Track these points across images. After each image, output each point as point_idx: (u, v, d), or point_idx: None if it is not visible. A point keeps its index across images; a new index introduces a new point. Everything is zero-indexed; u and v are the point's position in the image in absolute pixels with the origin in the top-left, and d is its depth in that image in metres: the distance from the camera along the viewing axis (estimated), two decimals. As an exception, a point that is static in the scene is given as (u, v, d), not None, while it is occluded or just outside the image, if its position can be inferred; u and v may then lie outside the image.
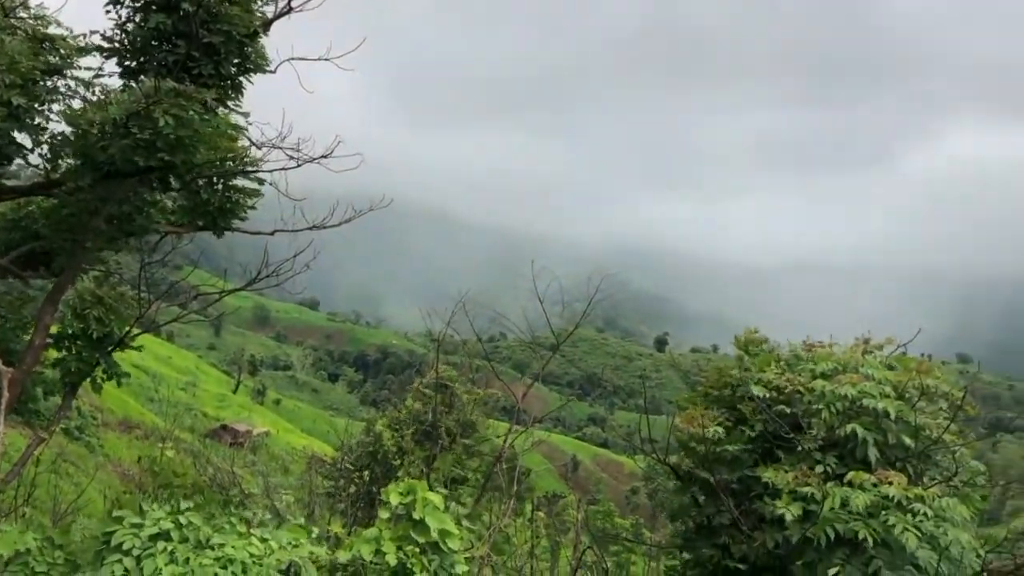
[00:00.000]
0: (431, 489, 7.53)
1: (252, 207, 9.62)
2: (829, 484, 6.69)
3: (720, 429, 7.30)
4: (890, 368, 7.69)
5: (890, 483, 6.56)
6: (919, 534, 6.29)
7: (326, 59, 8.96)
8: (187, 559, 6.56)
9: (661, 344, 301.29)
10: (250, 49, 8.81)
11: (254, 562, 6.96)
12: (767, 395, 7.38)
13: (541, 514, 8.83)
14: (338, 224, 9.56)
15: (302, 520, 10.04)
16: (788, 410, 7.29)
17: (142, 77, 8.08)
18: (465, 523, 7.86)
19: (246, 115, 9.12)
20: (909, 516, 6.42)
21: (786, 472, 6.87)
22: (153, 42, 8.21)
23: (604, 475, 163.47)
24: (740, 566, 6.90)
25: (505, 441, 8.78)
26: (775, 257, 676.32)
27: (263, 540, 7.22)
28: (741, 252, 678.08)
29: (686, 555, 7.70)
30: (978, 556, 6.65)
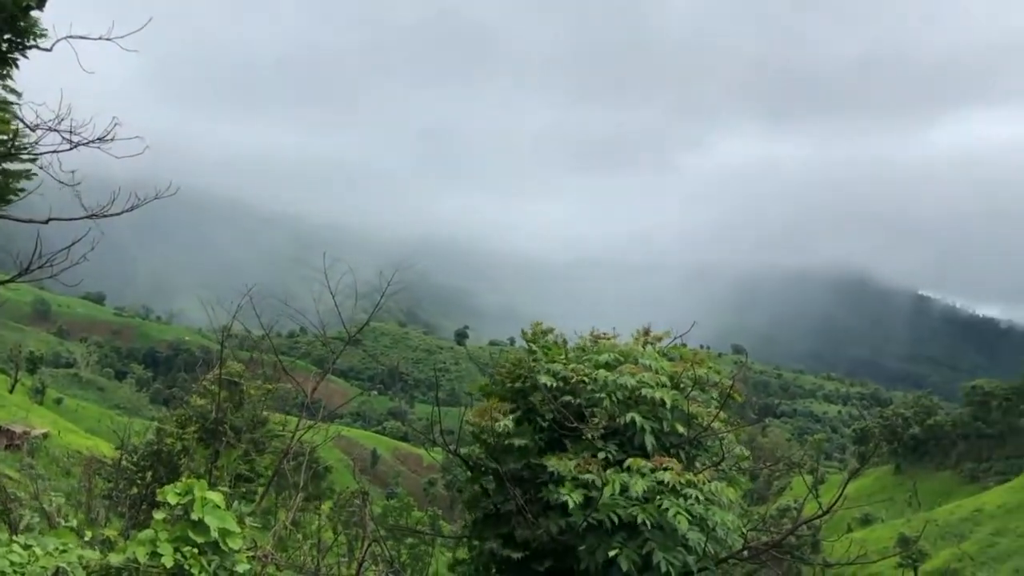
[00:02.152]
0: (213, 488, 7.22)
1: (21, 191, 8.90)
2: (610, 471, 6.94)
3: (510, 421, 7.42)
4: (668, 359, 8.08)
5: (666, 469, 6.89)
6: (690, 517, 6.65)
7: (108, 39, 8.38)
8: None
9: (461, 337, 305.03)
10: (23, 23, 8.12)
11: (15, 571, 6.45)
12: (555, 385, 7.57)
13: (326, 507, 8.67)
14: (120, 212, 8.95)
15: (74, 523, 9.38)
16: (574, 400, 7.51)
17: None
18: (249, 521, 7.60)
19: (18, 94, 8.45)
20: (682, 500, 6.77)
21: (570, 460, 7.08)
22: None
23: (403, 468, 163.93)
24: (520, 554, 7.04)
25: (293, 436, 8.55)
26: (566, 252, 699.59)
27: (26, 547, 6.70)
28: (535, 247, 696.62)
29: (474, 543, 7.79)
30: (741, 535, 7.13)
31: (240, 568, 6.96)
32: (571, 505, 6.66)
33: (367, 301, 9.88)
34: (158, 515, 6.88)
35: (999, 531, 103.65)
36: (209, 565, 6.86)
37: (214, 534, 6.88)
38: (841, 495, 6.50)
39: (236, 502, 8.24)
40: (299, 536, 8.20)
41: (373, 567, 10.32)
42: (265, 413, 14.50)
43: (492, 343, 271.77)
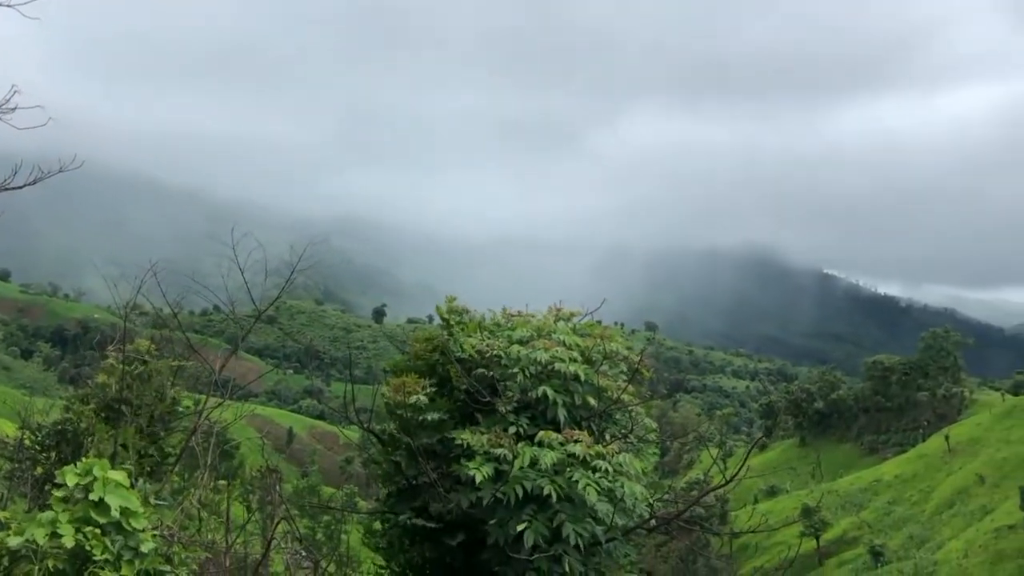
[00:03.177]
0: (116, 467, 7.04)
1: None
2: (521, 444, 7.00)
3: (424, 397, 7.43)
4: (579, 335, 8.18)
5: (576, 441, 6.99)
6: (599, 488, 6.76)
7: (7, 5, 8.00)
8: None
9: (379, 315, 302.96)
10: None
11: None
12: (469, 358, 7.60)
13: (223, 483, 8.55)
14: (22, 186, 8.56)
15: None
16: (488, 374, 7.55)
17: None
18: (154, 500, 7.44)
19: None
20: (591, 472, 6.88)
21: (482, 434, 7.12)
22: None
23: (320, 447, 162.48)
24: (434, 525, 7.08)
25: (200, 414, 8.39)
26: (484, 231, 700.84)
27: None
28: (454, 226, 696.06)
29: (388, 517, 7.80)
30: (649, 506, 7.29)
31: (145, 548, 6.81)
32: (479, 479, 6.71)
33: (280, 277, 9.73)
34: (58, 494, 6.69)
35: (895, 500, 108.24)
36: (113, 545, 6.71)
37: (116, 514, 6.72)
38: (743, 466, 6.70)
39: (141, 481, 8.05)
40: (206, 515, 8.07)
41: (284, 545, 10.23)
42: (173, 392, 14.19)
43: (411, 321, 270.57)
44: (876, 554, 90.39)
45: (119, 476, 6.86)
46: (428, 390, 7.47)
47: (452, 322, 8.20)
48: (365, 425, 7.73)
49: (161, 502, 7.35)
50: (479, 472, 6.72)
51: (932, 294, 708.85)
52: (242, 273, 8.93)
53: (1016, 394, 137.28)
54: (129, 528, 6.74)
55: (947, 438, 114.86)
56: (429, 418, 7.36)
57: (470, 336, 7.91)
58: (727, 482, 7.16)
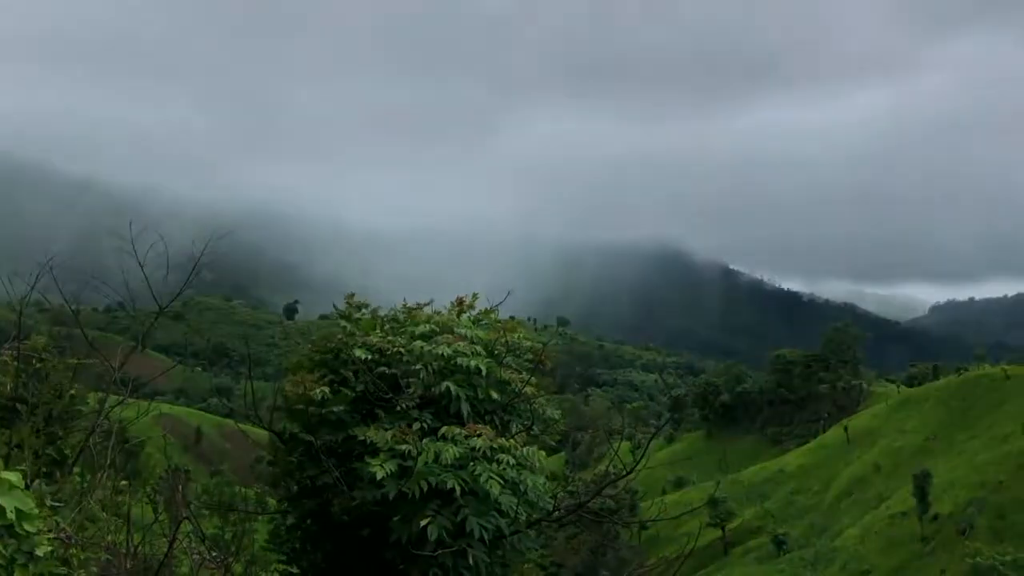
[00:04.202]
0: (10, 467, 6.85)
1: None
2: (425, 440, 7.07)
3: (326, 390, 7.42)
4: (483, 327, 8.27)
5: (479, 435, 7.09)
6: (502, 481, 6.88)
7: None
8: None
9: (291, 312, 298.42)
10: None
11: None
12: (369, 357, 7.61)
13: (125, 483, 8.39)
14: None
15: None
16: (389, 371, 7.58)
17: None
18: (50, 502, 7.26)
19: None
20: (495, 465, 6.98)
21: (385, 431, 7.16)
22: None
23: (229, 446, 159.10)
24: (337, 524, 7.09)
25: (100, 412, 8.21)
26: (392, 224, 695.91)
27: None
28: (363, 219, 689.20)
29: (291, 516, 7.77)
30: (552, 497, 7.45)
31: (40, 551, 6.65)
32: (381, 475, 6.75)
33: (185, 272, 9.54)
34: (-55, 498, 6.47)
35: (797, 490, 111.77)
36: (6, 549, 6.53)
37: (10, 516, 6.54)
38: (643, 457, 6.90)
39: (37, 482, 7.84)
40: (106, 516, 7.90)
41: (192, 546, 10.05)
42: (72, 390, 13.79)
43: (322, 317, 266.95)
44: (779, 542, 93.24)
45: (13, 477, 6.67)
46: (328, 387, 7.47)
47: (352, 319, 8.20)
48: (266, 424, 7.69)
49: (58, 504, 7.18)
50: (382, 469, 6.76)
51: (832, 289, 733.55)
52: (142, 268, 8.74)
53: (911, 386, 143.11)
54: (22, 532, 6.57)
55: (846, 429, 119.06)
56: (330, 414, 7.36)
57: (370, 333, 7.92)
58: (628, 473, 7.36)
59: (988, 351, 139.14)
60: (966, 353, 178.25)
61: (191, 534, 9.52)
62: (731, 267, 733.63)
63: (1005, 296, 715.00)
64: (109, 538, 8.33)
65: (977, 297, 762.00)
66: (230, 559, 10.02)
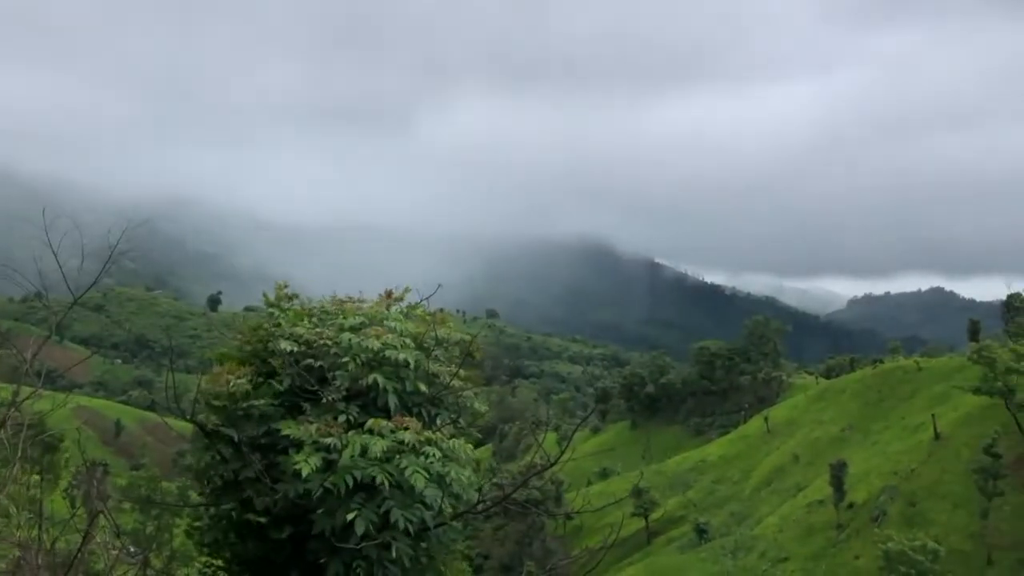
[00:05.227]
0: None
1: None
2: (351, 433, 6.99)
3: (245, 382, 7.28)
4: (412, 320, 8.22)
5: (406, 428, 7.04)
6: (427, 474, 6.85)
7: None
8: None
9: (214, 303, 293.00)
10: None
11: None
12: (296, 349, 7.50)
13: (36, 477, 8.13)
14: None
15: None
16: (316, 363, 7.49)
17: None
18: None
19: None
20: (421, 458, 6.95)
21: (310, 424, 7.07)
22: None
23: (151, 439, 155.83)
24: (261, 519, 6.98)
25: (12, 405, 7.92)
26: (319, 217, 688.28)
27: None
28: (288, 210, 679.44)
29: (212, 511, 7.62)
30: (477, 490, 7.45)
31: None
32: (307, 470, 6.66)
33: (100, 262, 9.24)
34: None
35: (719, 479, 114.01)
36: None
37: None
38: (568, 448, 6.94)
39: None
40: (17, 511, 7.63)
41: (111, 541, 9.77)
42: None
43: (247, 309, 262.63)
44: (701, 531, 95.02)
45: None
46: (253, 379, 7.34)
47: (280, 310, 8.08)
48: (188, 416, 7.52)
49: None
50: (306, 464, 6.67)
51: (754, 283, 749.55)
52: (55, 256, 8.46)
53: (829, 378, 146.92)
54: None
55: (766, 420, 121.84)
56: (254, 407, 7.23)
57: (297, 325, 7.81)
58: (553, 463, 7.40)
59: (902, 344, 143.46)
60: (882, 346, 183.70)
61: (108, 528, 9.26)
62: (657, 261, 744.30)
63: (919, 291, 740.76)
64: (19, 534, 8.06)
65: (893, 291, 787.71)
66: (149, 554, 9.79)
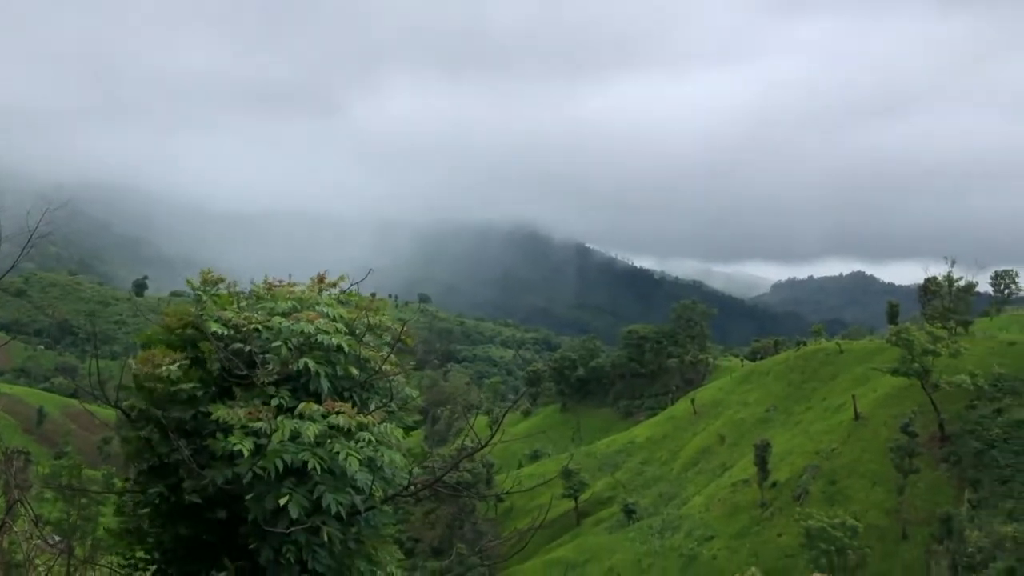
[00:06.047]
0: None
1: None
2: (281, 417, 6.95)
3: (175, 368, 7.19)
4: (344, 305, 8.20)
5: (338, 413, 7.04)
6: (359, 458, 6.86)
7: None
8: None
9: (140, 288, 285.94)
10: None
11: None
12: (225, 333, 7.42)
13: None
14: None
15: None
16: (246, 348, 7.42)
17: None
18: None
19: None
20: (353, 443, 6.95)
21: (240, 408, 7.00)
22: None
23: (74, 426, 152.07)
24: (196, 499, 6.92)
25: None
26: (249, 201, 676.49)
27: None
28: (216, 195, 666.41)
29: (139, 496, 7.51)
30: (409, 473, 7.49)
31: None
32: (246, 452, 6.62)
33: (17, 245, 8.99)
34: None
35: (647, 460, 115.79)
36: None
37: None
38: (498, 430, 7.03)
39: None
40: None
41: (25, 529, 9.57)
42: None
43: (174, 294, 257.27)
44: (629, 511, 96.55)
45: None
46: (181, 363, 7.25)
47: (206, 295, 7.97)
48: (113, 401, 7.39)
49: None
50: (242, 446, 6.63)
51: (682, 267, 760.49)
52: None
53: (753, 360, 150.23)
54: None
55: (693, 401, 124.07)
56: (181, 390, 7.14)
57: (226, 308, 7.72)
58: (483, 446, 7.47)
59: (825, 326, 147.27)
60: (805, 328, 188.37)
61: (29, 518, 9.06)
62: (587, 245, 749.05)
63: (841, 275, 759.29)
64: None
65: (816, 276, 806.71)
66: (73, 543, 9.61)
